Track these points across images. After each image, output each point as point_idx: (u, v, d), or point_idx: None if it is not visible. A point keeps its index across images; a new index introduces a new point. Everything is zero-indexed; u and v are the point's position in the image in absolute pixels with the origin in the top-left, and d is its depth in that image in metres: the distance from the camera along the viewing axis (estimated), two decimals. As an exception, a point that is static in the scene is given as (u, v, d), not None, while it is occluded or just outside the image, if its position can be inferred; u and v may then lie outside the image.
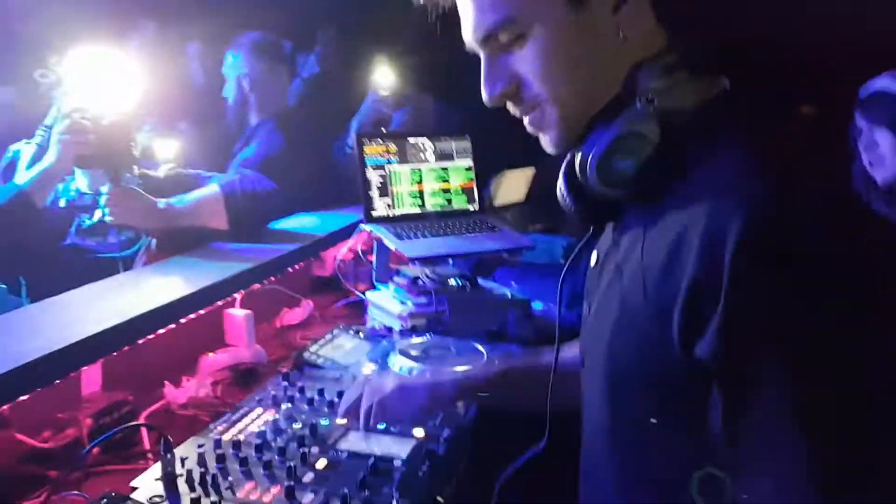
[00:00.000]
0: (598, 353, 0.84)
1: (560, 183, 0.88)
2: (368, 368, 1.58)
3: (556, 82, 0.81)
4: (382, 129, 2.80)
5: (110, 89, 1.76)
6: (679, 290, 0.70)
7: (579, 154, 0.81)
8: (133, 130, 1.84)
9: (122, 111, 1.77)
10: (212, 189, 2.07)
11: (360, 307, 2.06)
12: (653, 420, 0.77)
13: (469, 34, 0.84)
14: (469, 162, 2.15)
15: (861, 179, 1.73)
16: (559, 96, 0.82)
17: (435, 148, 2.11)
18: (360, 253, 2.22)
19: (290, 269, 2.03)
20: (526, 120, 0.86)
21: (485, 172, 3.57)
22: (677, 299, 0.70)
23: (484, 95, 0.86)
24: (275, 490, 1.09)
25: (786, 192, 0.68)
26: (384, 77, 2.92)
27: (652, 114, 0.77)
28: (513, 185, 4.00)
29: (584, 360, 0.93)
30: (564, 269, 1.00)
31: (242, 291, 1.76)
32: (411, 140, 2.08)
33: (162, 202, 1.93)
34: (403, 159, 2.05)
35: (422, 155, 2.08)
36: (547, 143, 0.86)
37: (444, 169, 2.12)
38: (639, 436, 0.80)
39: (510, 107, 0.86)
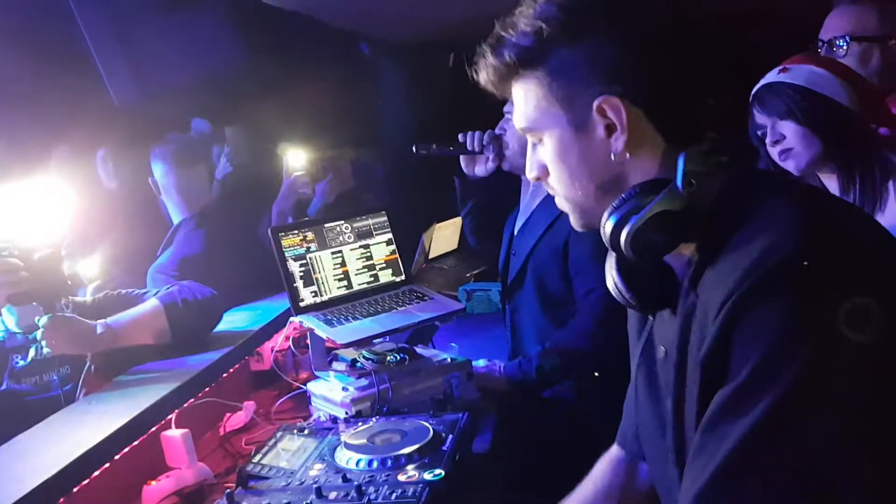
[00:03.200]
0: None
1: (614, 278, 0.99)
2: (316, 469, 1.57)
3: (561, 182, 0.98)
4: (301, 216, 2.82)
5: (34, 221, 1.74)
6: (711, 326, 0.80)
7: (610, 227, 0.91)
8: (61, 257, 1.82)
9: (50, 240, 1.75)
10: (151, 303, 2.04)
11: (304, 398, 2.04)
12: None
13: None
14: (388, 235, 2.17)
15: None
16: (563, 193, 0.99)
17: (352, 228, 2.12)
18: (296, 341, 2.22)
19: (224, 375, 2.00)
20: (556, 201, 1.02)
21: (414, 227, 3.65)
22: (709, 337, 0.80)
23: (527, 172, 1.05)
24: None
25: (819, 250, 0.77)
26: (297, 158, 2.94)
27: (687, 195, 0.88)
28: (444, 236, 4.06)
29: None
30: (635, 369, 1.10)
31: (176, 410, 1.73)
32: (328, 225, 2.09)
33: (100, 324, 1.89)
34: (323, 245, 2.06)
35: (341, 237, 2.10)
36: (572, 222, 1.02)
37: (366, 246, 2.13)
38: None
39: (547, 188, 1.02)
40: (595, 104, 0.90)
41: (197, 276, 2.25)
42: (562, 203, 1.01)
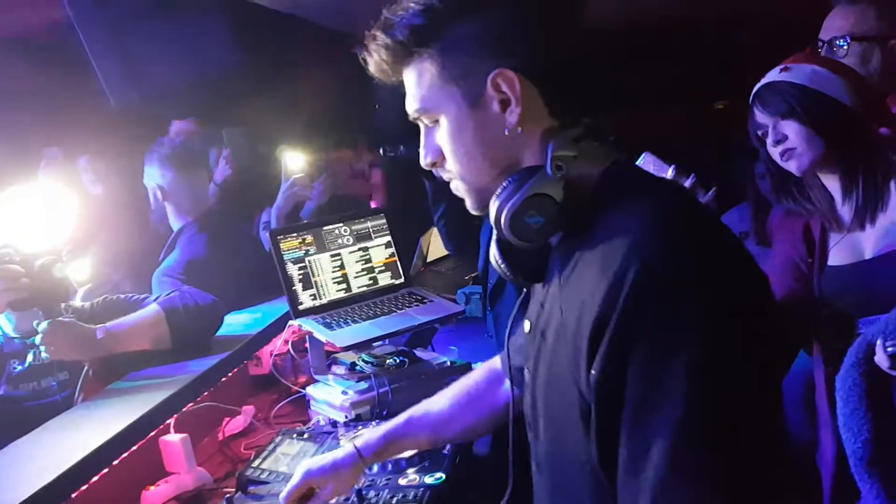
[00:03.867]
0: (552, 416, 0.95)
1: (493, 249, 1.01)
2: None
3: (456, 162, 0.97)
4: (295, 219, 2.80)
5: (36, 227, 1.72)
6: (586, 333, 0.82)
7: (494, 210, 0.93)
8: (62, 263, 1.80)
9: (51, 246, 1.73)
10: (151, 308, 2.02)
11: (303, 402, 2.03)
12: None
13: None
14: (387, 238, 2.16)
15: (771, 179, 1.76)
16: (461, 173, 0.98)
17: (351, 231, 2.12)
18: (295, 345, 2.20)
19: (223, 379, 1.99)
20: (451, 185, 1.01)
21: (412, 230, 3.63)
22: (585, 342, 0.82)
23: (420, 160, 1.03)
24: None
25: (672, 254, 0.82)
26: (295, 160, 2.92)
27: (560, 178, 0.90)
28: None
29: (533, 425, 1.04)
30: (507, 337, 1.16)
31: (175, 415, 1.71)
32: (326, 228, 2.08)
33: (100, 329, 1.87)
34: (322, 248, 2.06)
35: (340, 240, 2.09)
36: (468, 206, 1.01)
37: (365, 249, 2.13)
38: None
39: (443, 174, 1.01)
40: (489, 78, 0.90)
41: (203, 278, 2.23)
42: (457, 186, 1.00)
